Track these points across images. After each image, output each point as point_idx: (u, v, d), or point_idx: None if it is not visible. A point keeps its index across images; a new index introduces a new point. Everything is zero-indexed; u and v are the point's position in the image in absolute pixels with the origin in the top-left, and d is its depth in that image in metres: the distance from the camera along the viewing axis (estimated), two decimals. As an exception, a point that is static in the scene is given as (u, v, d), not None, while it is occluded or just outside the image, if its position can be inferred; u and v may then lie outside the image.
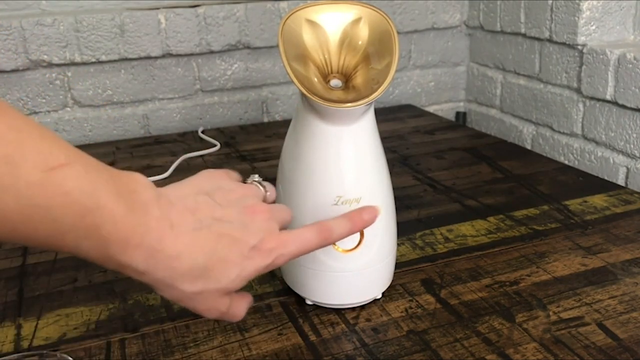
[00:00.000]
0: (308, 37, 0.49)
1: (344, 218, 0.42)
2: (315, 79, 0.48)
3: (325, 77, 0.49)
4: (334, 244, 0.50)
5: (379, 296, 0.56)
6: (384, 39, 0.48)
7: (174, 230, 0.34)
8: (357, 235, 0.51)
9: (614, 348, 0.48)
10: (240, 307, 0.39)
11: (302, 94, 0.47)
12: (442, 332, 0.51)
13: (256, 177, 0.43)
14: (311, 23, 0.49)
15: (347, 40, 0.50)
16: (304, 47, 0.49)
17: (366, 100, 0.46)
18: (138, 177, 0.35)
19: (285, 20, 0.48)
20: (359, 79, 0.49)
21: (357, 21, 0.49)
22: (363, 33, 0.49)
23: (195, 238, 0.35)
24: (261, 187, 0.42)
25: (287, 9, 1.13)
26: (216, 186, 0.39)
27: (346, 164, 0.50)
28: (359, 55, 0.49)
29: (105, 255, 0.33)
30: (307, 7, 0.49)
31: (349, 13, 0.49)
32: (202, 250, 0.35)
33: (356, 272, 0.52)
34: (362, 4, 0.49)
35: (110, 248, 0.32)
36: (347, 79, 0.50)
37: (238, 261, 0.36)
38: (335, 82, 0.49)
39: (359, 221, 0.42)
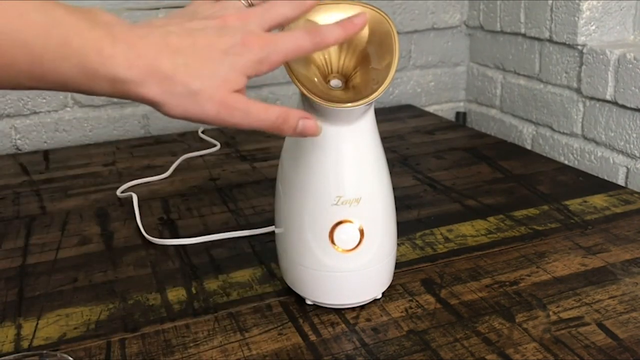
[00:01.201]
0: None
1: (334, 24, 0.42)
2: (316, 79, 0.48)
3: (325, 77, 0.49)
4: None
5: (379, 296, 0.56)
6: (384, 39, 0.48)
7: (142, 38, 0.36)
8: (357, 235, 0.51)
9: (614, 348, 0.48)
10: (294, 113, 0.41)
11: (302, 94, 0.47)
12: (442, 332, 0.51)
13: None
14: (311, 23, 0.48)
15: (347, 41, 0.49)
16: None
17: (366, 100, 0.46)
18: (97, 9, 0.37)
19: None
20: (358, 79, 0.49)
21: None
22: (363, 33, 0.48)
23: (166, 41, 0.36)
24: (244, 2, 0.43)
25: (287, 9, 1.13)
26: (190, 11, 0.41)
27: (346, 164, 0.50)
28: (359, 55, 0.49)
29: (88, 73, 0.34)
30: None
31: (349, 13, 0.48)
32: (177, 50, 0.36)
33: (356, 272, 0.52)
34: (362, 4, 0.48)
35: (88, 61, 0.34)
36: (347, 79, 0.50)
37: (220, 57, 0.37)
38: (335, 82, 0.49)
39: (349, 25, 0.42)
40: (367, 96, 0.46)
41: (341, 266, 0.52)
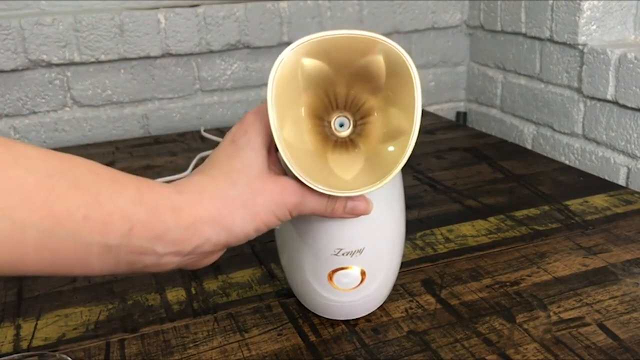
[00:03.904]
0: (306, 72, 0.41)
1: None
2: (311, 136, 0.42)
3: (328, 114, 0.43)
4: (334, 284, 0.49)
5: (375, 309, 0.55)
6: (401, 85, 0.40)
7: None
8: (358, 277, 0.49)
9: (614, 348, 0.48)
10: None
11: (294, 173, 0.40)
12: (442, 333, 0.51)
13: None
14: (311, 59, 0.41)
15: (356, 71, 0.41)
16: (299, 87, 0.41)
17: (374, 187, 0.40)
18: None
19: (277, 71, 0.40)
20: (371, 129, 0.42)
21: (369, 52, 0.41)
22: (378, 66, 0.41)
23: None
24: None
25: (287, 9, 1.13)
26: None
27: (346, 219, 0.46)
28: (372, 87, 0.41)
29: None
30: (305, 42, 0.40)
31: (361, 45, 0.41)
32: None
33: (356, 302, 0.51)
34: (378, 38, 0.41)
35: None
36: (355, 118, 0.43)
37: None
38: (340, 121, 0.43)
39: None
40: (376, 178, 0.40)
41: (340, 300, 0.50)
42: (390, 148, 0.41)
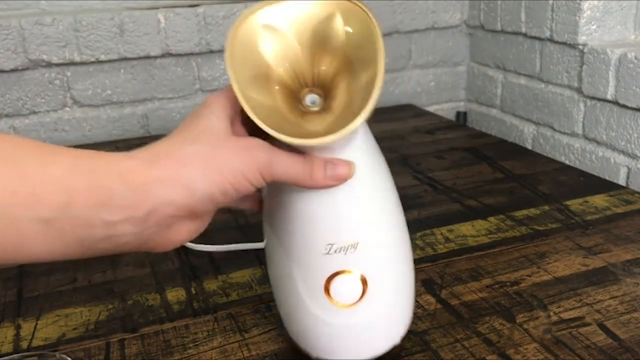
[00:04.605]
0: (268, 48, 0.38)
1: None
2: (282, 104, 0.38)
3: (298, 92, 0.39)
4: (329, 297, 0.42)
5: (398, 342, 0.45)
6: (366, 41, 0.37)
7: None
8: (359, 286, 0.41)
9: (615, 348, 0.48)
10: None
11: (262, 131, 0.36)
12: (442, 333, 0.50)
13: None
14: (270, 29, 0.38)
15: (319, 43, 0.39)
16: (264, 62, 0.38)
17: (345, 130, 0.35)
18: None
19: (234, 33, 0.37)
20: (339, 96, 0.38)
21: (329, 19, 0.38)
22: (339, 32, 0.38)
23: None
24: None
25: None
26: None
27: (333, 202, 0.40)
28: (337, 59, 0.38)
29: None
30: (260, 9, 0.38)
31: (318, 10, 0.38)
32: None
33: (363, 326, 0.43)
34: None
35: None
36: (326, 92, 0.39)
37: None
38: (311, 97, 0.39)
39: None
40: (346, 123, 0.35)
41: (342, 321, 0.42)
42: (359, 98, 0.37)
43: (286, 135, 0.35)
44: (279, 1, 0.38)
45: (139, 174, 0.33)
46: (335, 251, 0.40)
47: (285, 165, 0.36)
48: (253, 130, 0.38)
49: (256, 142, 0.36)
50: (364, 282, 0.41)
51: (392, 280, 0.43)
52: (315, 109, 0.39)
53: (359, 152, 0.40)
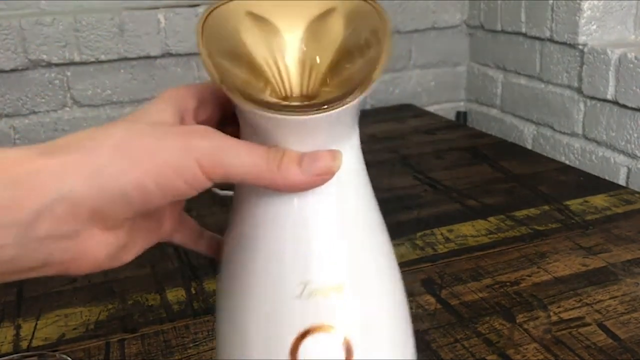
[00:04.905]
0: (252, 40, 0.30)
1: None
2: (265, 87, 0.30)
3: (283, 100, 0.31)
4: None
5: None
6: (368, 27, 0.29)
7: None
8: (341, 353, 0.28)
9: (614, 348, 0.48)
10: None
11: (232, 100, 0.27)
12: (442, 333, 0.50)
13: None
14: (256, 19, 0.30)
15: (313, 43, 0.31)
16: (247, 53, 0.30)
17: (342, 103, 0.26)
18: None
19: (210, 13, 0.29)
20: (331, 86, 0.30)
21: (327, 14, 0.31)
22: (336, 31, 0.30)
23: None
24: None
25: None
26: None
27: (313, 226, 0.29)
28: (332, 59, 0.30)
29: None
30: None
31: (315, 2, 0.31)
32: None
33: None
34: None
35: None
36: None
37: None
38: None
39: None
40: (343, 97, 0.27)
41: None
42: (362, 72, 0.28)
43: (257, 106, 0.26)
44: None
45: (22, 165, 0.24)
46: (310, 294, 0.28)
47: (240, 155, 0.26)
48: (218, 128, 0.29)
49: (200, 127, 0.27)
50: (348, 349, 0.28)
51: (387, 348, 0.31)
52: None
53: (353, 160, 0.30)
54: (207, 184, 0.27)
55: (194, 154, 0.26)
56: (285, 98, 0.30)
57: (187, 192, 0.26)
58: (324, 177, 0.27)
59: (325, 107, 0.26)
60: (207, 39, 0.28)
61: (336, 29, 0.30)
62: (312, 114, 0.26)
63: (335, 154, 0.28)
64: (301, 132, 0.27)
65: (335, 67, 0.30)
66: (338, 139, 0.28)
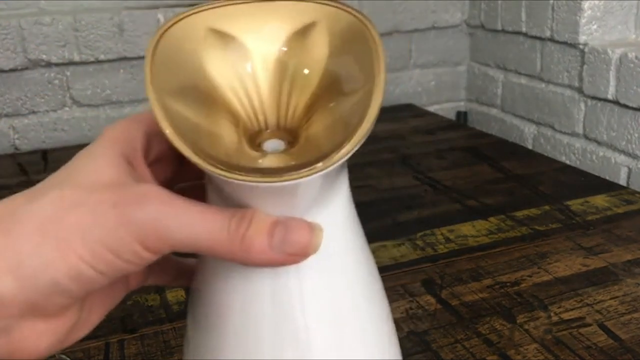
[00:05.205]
0: (216, 64, 0.25)
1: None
2: (225, 131, 0.24)
3: (255, 137, 0.25)
4: None
5: None
6: (359, 54, 0.24)
7: None
8: None
9: (615, 349, 0.48)
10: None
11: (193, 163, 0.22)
12: (442, 333, 0.50)
13: None
14: (221, 37, 0.26)
15: (292, 66, 0.26)
16: (206, 77, 0.25)
17: (321, 166, 0.21)
18: None
19: (163, 34, 0.25)
20: (315, 127, 0.24)
21: (308, 30, 0.26)
22: (320, 49, 0.25)
23: None
24: None
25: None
26: None
27: (292, 320, 0.25)
28: (315, 87, 0.25)
29: None
30: (212, 8, 0.26)
31: (295, 16, 0.26)
32: None
33: None
34: (316, 0, 0.26)
35: None
36: (294, 136, 0.25)
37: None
38: (272, 144, 0.25)
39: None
40: (322, 158, 0.21)
41: None
42: (345, 123, 0.23)
43: (215, 166, 0.21)
44: (236, 3, 0.26)
45: None
46: None
47: (192, 223, 0.22)
48: (174, 175, 0.24)
49: (140, 190, 0.23)
50: None
51: None
52: (273, 155, 0.24)
53: (339, 221, 0.25)
54: (153, 258, 0.23)
55: (131, 229, 0.22)
56: (260, 132, 0.26)
57: (133, 268, 0.23)
58: (296, 257, 0.23)
59: (302, 171, 0.21)
60: (158, 70, 0.24)
61: (319, 50, 0.25)
62: (284, 181, 0.21)
63: (313, 230, 0.23)
64: (271, 197, 0.22)
65: (317, 99, 0.25)
66: (320, 200, 0.24)
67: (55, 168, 0.26)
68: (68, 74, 1.04)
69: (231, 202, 0.23)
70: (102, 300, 0.26)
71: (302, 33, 0.26)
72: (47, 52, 1.01)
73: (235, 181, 0.21)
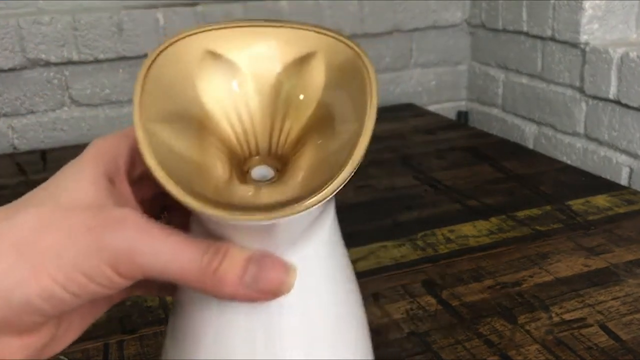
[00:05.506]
0: (210, 86, 0.26)
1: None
2: (211, 161, 0.24)
3: (243, 162, 0.26)
4: None
5: None
6: (353, 90, 0.26)
7: None
8: None
9: (616, 349, 0.47)
10: None
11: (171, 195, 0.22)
12: (443, 334, 0.50)
13: None
14: (217, 58, 0.26)
15: (288, 90, 0.27)
16: (197, 102, 0.25)
17: (298, 208, 0.22)
18: None
19: (157, 57, 0.26)
20: (302, 161, 0.25)
21: (306, 60, 0.27)
22: (317, 78, 0.26)
23: None
24: None
25: (288, 8, 1.13)
26: None
27: (264, 351, 0.25)
28: (310, 115, 0.26)
29: None
30: (208, 30, 0.26)
31: (293, 43, 0.26)
32: None
33: None
34: (317, 29, 0.27)
35: None
36: (285, 163, 0.26)
37: None
38: (260, 170, 0.26)
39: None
40: (301, 199, 0.22)
41: None
42: (331, 162, 0.23)
43: (197, 199, 0.21)
44: (235, 26, 0.26)
45: None
46: None
47: (165, 252, 0.22)
48: (161, 192, 0.23)
49: (117, 214, 0.23)
50: None
51: None
52: (260, 186, 0.25)
53: (321, 255, 0.25)
54: (127, 284, 0.23)
55: (105, 255, 0.22)
56: (250, 156, 0.26)
57: (107, 292, 0.23)
58: (268, 295, 0.23)
59: (278, 211, 0.21)
60: (149, 94, 0.25)
61: (316, 79, 0.26)
62: (258, 220, 0.21)
63: (287, 271, 0.23)
64: (247, 233, 0.23)
65: (309, 130, 0.25)
66: (302, 235, 0.24)
67: (54, 168, 0.25)
68: (67, 73, 1.04)
69: (212, 231, 0.23)
70: (81, 315, 0.27)
71: (301, 60, 0.26)
72: (46, 52, 1.01)
73: (213, 217, 0.21)
